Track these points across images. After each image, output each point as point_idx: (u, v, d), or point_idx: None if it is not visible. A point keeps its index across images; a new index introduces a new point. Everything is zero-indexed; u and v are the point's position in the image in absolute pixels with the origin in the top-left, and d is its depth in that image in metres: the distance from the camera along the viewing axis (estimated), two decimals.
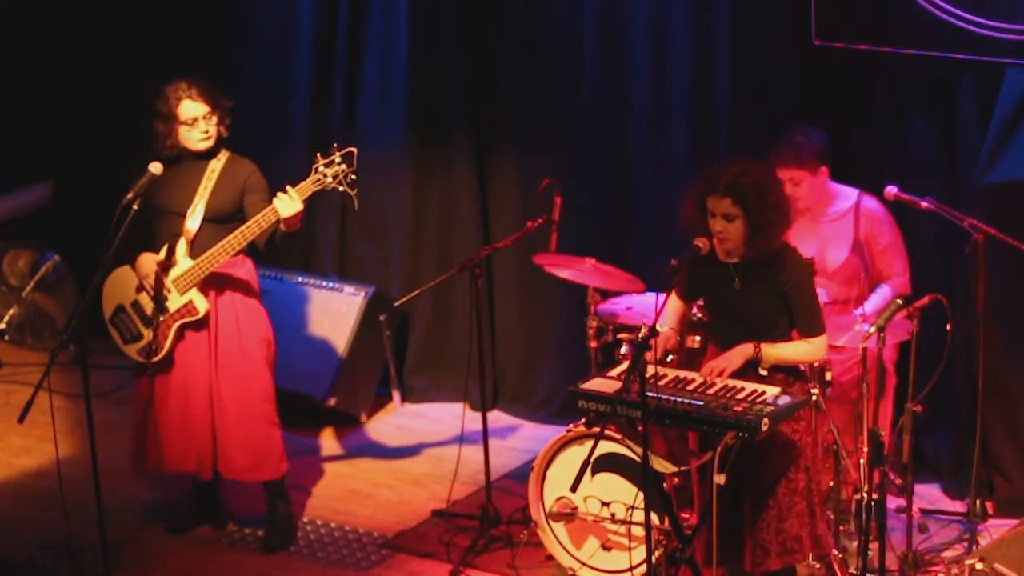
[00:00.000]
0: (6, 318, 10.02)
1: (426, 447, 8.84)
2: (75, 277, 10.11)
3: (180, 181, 7.53)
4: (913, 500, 7.31)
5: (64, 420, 8.39)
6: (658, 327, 6.60)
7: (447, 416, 9.12)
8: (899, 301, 6.92)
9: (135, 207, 7.03)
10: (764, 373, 6.72)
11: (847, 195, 7.69)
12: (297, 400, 8.67)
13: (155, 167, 7.23)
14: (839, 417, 7.43)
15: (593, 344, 7.97)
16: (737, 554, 6.76)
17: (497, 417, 9.07)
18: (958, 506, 7.90)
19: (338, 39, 9.18)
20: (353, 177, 7.37)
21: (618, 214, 8.74)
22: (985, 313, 7.44)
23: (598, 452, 6.55)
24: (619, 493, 7.10)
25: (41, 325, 10.05)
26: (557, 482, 7.23)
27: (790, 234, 6.87)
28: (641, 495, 6.66)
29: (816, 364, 7.05)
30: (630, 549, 7.11)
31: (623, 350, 7.68)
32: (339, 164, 7.35)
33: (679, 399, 6.59)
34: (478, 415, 8.08)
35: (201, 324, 7.55)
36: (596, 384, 6.81)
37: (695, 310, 7.22)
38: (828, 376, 7.16)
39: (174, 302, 7.53)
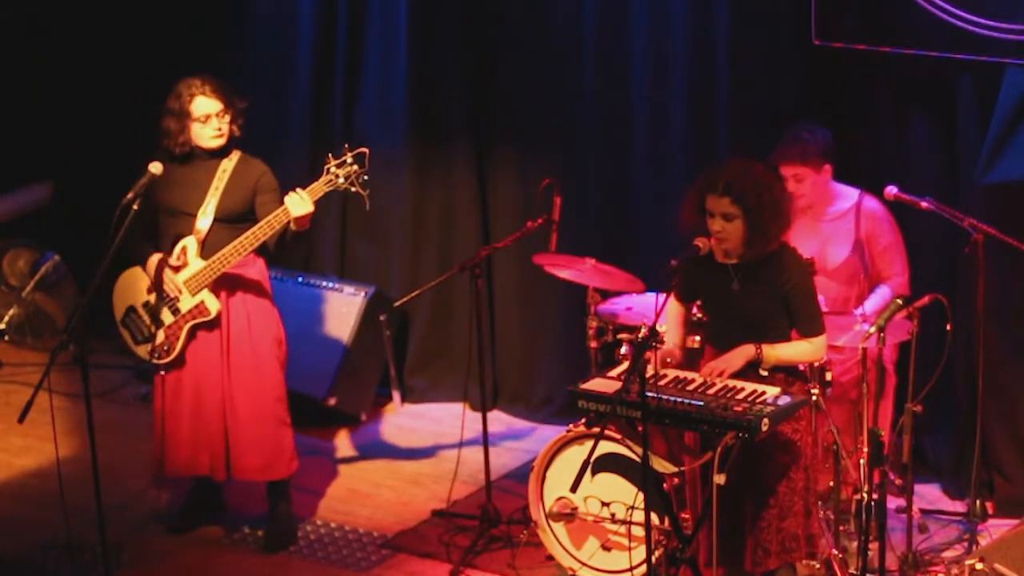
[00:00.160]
0: (6, 318, 10.02)
1: (426, 447, 8.84)
2: (75, 277, 10.11)
3: (191, 180, 7.52)
4: (913, 500, 7.31)
5: (64, 420, 8.39)
6: (658, 327, 6.61)
7: (447, 416, 9.12)
8: (899, 301, 6.92)
9: (135, 207, 7.02)
10: (765, 374, 6.73)
11: (848, 195, 7.69)
12: (297, 400, 8.66)
13: (155, 167, 7.23)
14: (839, 417, 7.43)
15: (593, 344, 7.97)
16: (737, 554, 6.75)
17: (497, 417, 9.07)
18: (958, 506, 7.90)
19: (338, 39, 9.18)
20: (365, 178, 7.36)
21: (618, 214, 8.74)
22: (985, 313, 7.44)
23: (598, 452, 6.55)
24: (619, 493, 7.10)
25: (41, 325, 10.05)
26: (557, 482, 7.23)
27: (791, 233, 6.87)
28: (641, 495, 6.66)
29: (816, 364, 7.06)
30: (630, 549, 7.11)
31: (623, 350, 7.68)
32: (351, 164, 7.35)
33: (679, 399, 6.59)
34: (478, 415, 8.08)
35: (213, 325, 7.54)
36: (596, 384, 6.82)
37: (695, 310, 7.21)
38: (828, 376, 7.16)
39: (186, 303, 7.52)
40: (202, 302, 7.51)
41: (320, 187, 7.36)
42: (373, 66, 9.15)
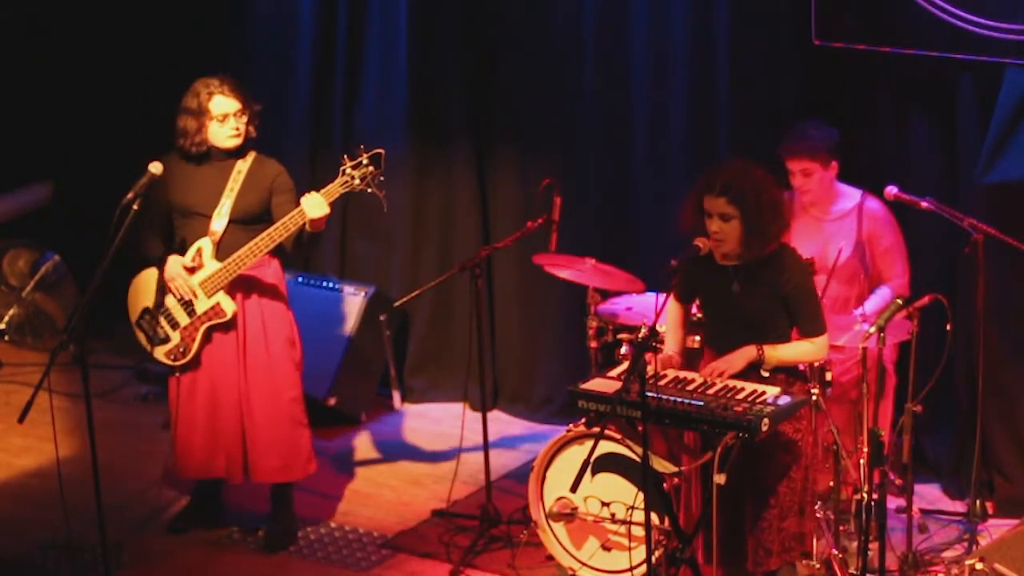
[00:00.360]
0: (6, 318, 10.02)
1: (426, 447, 8.84)
2: (75, 277, 10.11)
3: (206, 181, 7.51)
4: (913, 500, 7.31)
5: (64, 420, 8.39)
6: (658, 327, 6.61)
7: (447, 416, 9.12)
8: (899, 301, 6.92)
9: (135, 207, 7.01)
10: (766, 375, 6.72)
11: (851, 195, 7.69)
12: None
13: (155, 167, 7.21)
14: (839, 417, 7.43)
15: (593, 344, 7.97)
16: (737, 554, 6.75)
17: (497, 417, 9.07)
18: (958, 506, 7.90)
19: (338, 39, 9.18)
20: (381, 179, 7.35)
21: (618, 214, 8.75)
22: (985, 313, 7.44)
23: (598, 452, 6.55)
24: (619, 493, 7.10)
25: (41, 325, 10.05)
26: (557, 482, 7.23)
27: (792, 232, 6.87)
28: (641, 495, 6.66)
29: (816, 364, 7.06)
30: (630, 549, 7.11)
31: (623, 350, 7.68)
32: (366, 166, 7.34)
33: (679, 399, 6.59)
34: (478, 415, 8.08)
35: (229, 326, 7.53)
36: (596, 384, 6.82)
37: (694, 309, 7.22)
38: (828, 376, 7.16)
39: (201, 304, 7.51)
40: (218, 304, 7.49)
41: (336, 188, 7.34)
42: (373, 66, 9.15)
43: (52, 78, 10.01)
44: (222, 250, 7.47)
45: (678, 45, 8.38)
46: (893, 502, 7.54)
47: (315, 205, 7.27)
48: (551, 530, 7.30)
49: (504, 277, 9.09)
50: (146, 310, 7.64)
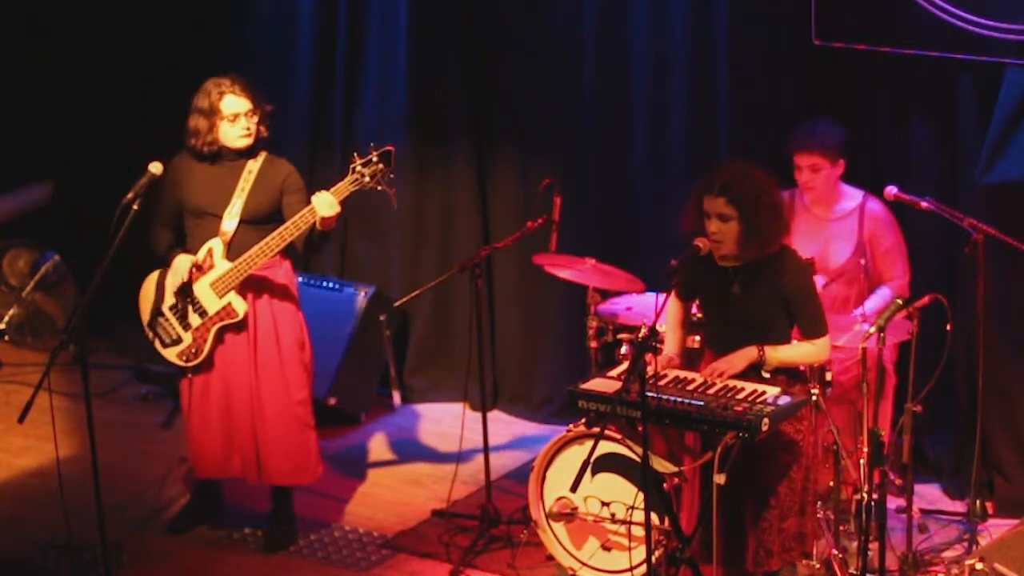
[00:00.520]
0: (6, 318, 10.02)
1: (426, 447, 8.84)
2: (75, 277, 10.11)
3: (217, 181, 7.50)
4: (913, 500, 7.31)
5: (64, 420, 8.39)
6: (658, 327, 6.61)
7: (447, 416, 9.12)
8: (899, 301, 6.92)
9: (135, 207, 7.01)
10: (767, 376, 6.72)
11: (852, 195, 7.70)
12: None
13: (155, 167, 7.20)
14: (839, 417, 7.43)
15: (593, 344, 7.97)
16: (738, 555, 6.75)
17: (497, 417, 9.07)
18: (958, 506, 7.90)
19: (338, 39, 9.18)
20: (391, 176, 7.35)
21: (618, 214, 8.75)
22: (985, 313, 7.44)
23: (598, 452, 6.55)
24: (619, 493, 7.10)
25: (41, 325, 10.05)
26: (557, 482, 7.23)
27: (793, 230, 6.87)
28: (641, 495, 6.66)
29: (816, 364, 7.05)
30: (630, 549, 7.11)
31: (623, 350, 7.68)
32: (376, 164, 7.33)
33: (679, 399, 6.59)
34: (478, 415, 8.08)
35: (240, 327, 7.52)
36: (596, 384, 6.82)
37: (694, 309, 7.21)
38: (828, 376, 7.16)
39: (212, 305, 7.50)
40: (229, 304, 7.49)
41: (346, 186, 7.33)
42: (373, 66, 9.15)
43: (52, 78, 10.01)
44: (233, 250, 7.46)
45: (678, 45, 8.38)
46: (893, 502, 7.54)
47: (326, 204, 7.26)
48: (551, 530, 7.30)
49: (504, 277, 9.09)
50: (158, 312, 7.63)
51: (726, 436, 6.47)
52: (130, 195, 7.02)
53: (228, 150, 7.50)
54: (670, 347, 7.05)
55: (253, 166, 7.52)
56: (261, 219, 7.47)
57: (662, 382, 6.69)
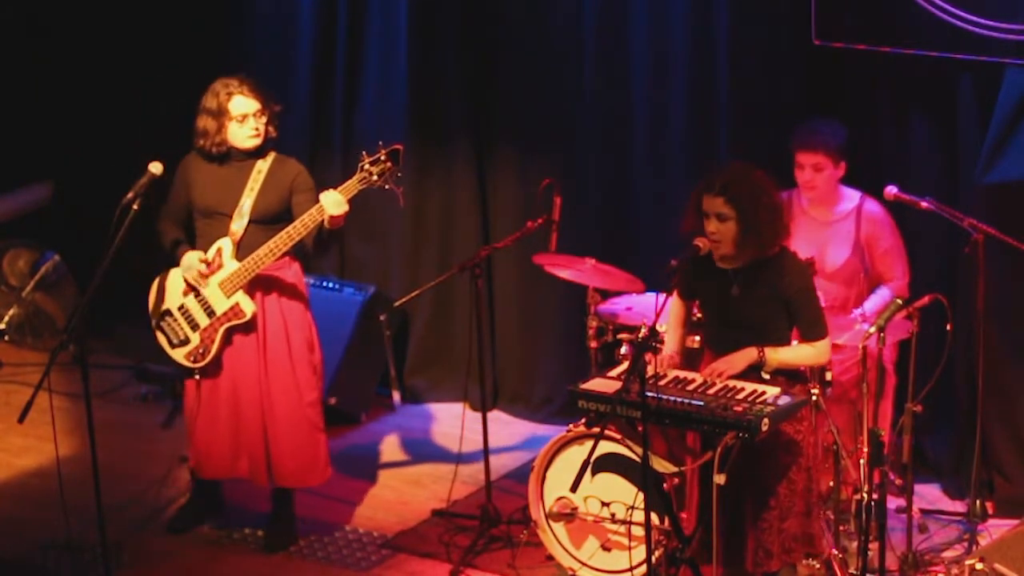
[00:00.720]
0: (6, 318, 10.02)
1: (426, 447, 8.84)
2: (75, 277, 10.11)
3: (226, 181, 7.50)
4: (913, 500, 7.31)
5: (64, 420, 8.39)
6: (658, 327, 6.61)
7: (447, 416, 9.12)
8: (899, 301, 6.92)
9: (135, 207, 7.00)
10: (767, 377, 6.72)
11: (850, 196, 7.70)
12: None
13: (155, 167, 7.19)
14: (839, 417, 7.43)
15: (593, 344, 7.97)
16: (737, 555, 6.75)
17: (497, 417, 9.07)
18: (958, 506, 7.90)
19: (338, 39, 9.18)
20: (399, 174, 7.34)
21: (618, 214, 8.75)
22: (985, 313, 7.44)
23: (598, 452, 6.55)
24: (619, 493, 7.10)
25: (41, 325, 10.05)
26: (557, 482, 7.23)
27: (792, 232, 6.87)
28: (641, 495, 6.66)
29: (816, 366, 7.05)
30: (630, 549, 7.11)
31: (623, 350, 7.68)
32: (385, 162, 7.32)
33: (679, 399, 6.59)
34: (478, 415, 8.08)
35: (249, 327, 7.51)
36: (596, 384, 6.82)
37: (694, 309, 7.21)
38: (828, 376, 7.16)
39: (220, 305, 7.50)
40: (237, 304, 7.48)
41: (354, 185, 7.32)
42: (373, 66, 9.15)
43: (52, 78, 10.02)
44: (242, 250, 7.46)
45: (678, 45, 8.38)
46: (893, 502, 7.54)
47: (334, 203, 7.25)
48: (551, 530, 7.30)
49: (504, 277, 9.09)
50: (166, 312, 7.62)
51: (726, 436, 6.47)
52: (130, 195, 7.01)
53: (237, 150, 7.50)
54: (671, 346, 7.05)
55: (262, 166, 7.52)
56: (270, 219, 7.47)
57: (662, 382, 6.69)
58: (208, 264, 7.47)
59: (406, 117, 9.07)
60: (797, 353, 6.76)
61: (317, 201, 7.31)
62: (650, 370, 6.58)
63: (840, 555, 7.12)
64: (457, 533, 7.85)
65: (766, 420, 6.42)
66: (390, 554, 7.77)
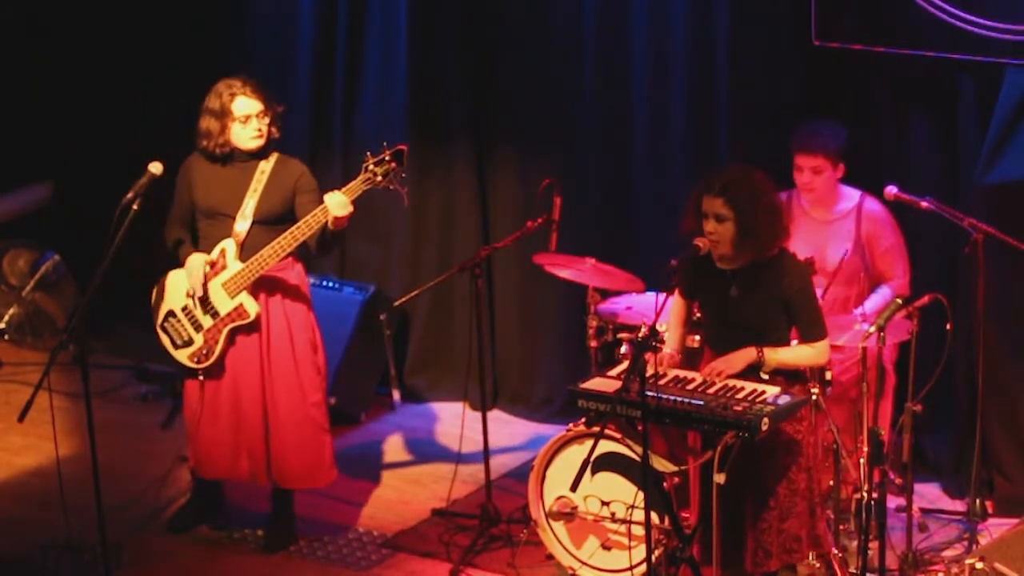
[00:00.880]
0: (6, 318, 10.02)
1: (426, 447, 8.84)
2: (75, 277, 10.11)
3: (229, 182, 7.49)
4: (913, 499, 7.31)
5: (64, 420, 8.39)
6: (658, 327, 6.61)
7: (447, 416, 9.12)
8: (899, 300, 6.92)
9: (135, 207, 7.00)
10: (766, 377, 6.71)
11: (850, 196, 7.70)
12: None
13: (155, 167, 7.18)
14: (839, 416, 7.43)
15: (593, 344, 7.97)
16: (737, 555, 6.75)
17: (497, 417, 9.07)
18: (958, 505, 7.90)
19: (338, 39, 9.18)
20: (403, 175, 7.34)
21: (618, 214, 8.75)
22: (985, 313, 7.44)
23: (598, 451, 6.55)
24: (619, 492, 7.10)
25: (41, 325, 10.05)
26: (557, 481, 7.23)
27: (792, 231, 6.87)
28: (641, 494, 6.66)
29: (816, 367, 7.04)
30: (630, 548, 7.11)
31: (623, 350, 7.68)
32: (389, 163, 7.31)
33: (679, 398, 6.59)
34: (478, 415, 8.08)
35: (252, 328, 7.50)
36: (596, 384, 6.82)
37: (695, 309, 7.21)
38: (828, 376, 7.16)
39: (224, 306, 7.50)
40: (241, 305, 7.48)
41: (358, 186, 7.31)
42: (373, 66, 9.15)
43: (52, 78, 10.02)
44: (246, 251, 7.46)
45: (678, 45, 8.38)
46: (893, 501, 7.55)
47: (338, 204, 7.24)
48: (551, 529, 7.30)
49: (504, 277, 9.10)
50: (170, 312, 7.62)
51: (726, 436, 6.47)
52: (130, 195, 7.00)
53: (240, 151, 7.49)
54: (671, 344, 7.05)
55: (265, 167, 7.52)
56: (274, 220, 7.47)
57: (662, 381, 6.69)
58: (212, 265, 7.48)
59: (406, 117, 9.07)
60: (796, 354, 6.76)
61: (321, 202, 7.31)
62: (650, 369, 6.58)
63: (840, 554, 7.12)
64: (457, 532, 7.85)
65: (766, 419, 6.42)
66: (390, 553, 7.77)
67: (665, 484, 6.90)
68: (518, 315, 9.10)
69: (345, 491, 8.30)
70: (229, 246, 7.46)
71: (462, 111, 9.02)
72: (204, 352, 7.53)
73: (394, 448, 8.84)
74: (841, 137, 7.56)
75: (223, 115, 7.43)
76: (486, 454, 7.88)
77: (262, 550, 7.79)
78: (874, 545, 7.01)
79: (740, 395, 6.58)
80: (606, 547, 7.21)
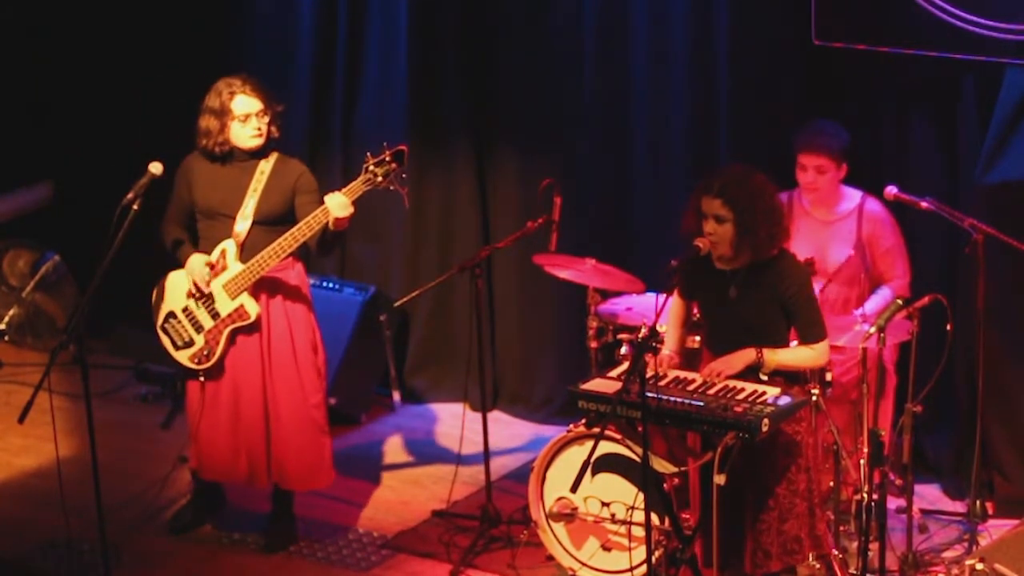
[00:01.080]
0: (6, 318, 10.02)
1: (426, 447, 8.84)
2: (75, 277, 10.11)
3: (229, 182, 7.48)
4: (913, 500, 7.31)
5: (64, 420, 8.39)
6: (658, 327, 6.61)
7: (447, 416, 9.12)
8: (899, 301, 6.92)
9: (135, 207, 7.00)
10: (765, 378, 6.71)
11: (851, 196, 7.70)
12: None
13: (155, 167, 7.18)
14: (839, 417, 7.43)
15: (593, 344, 7.97)
16: (737, 556, 6.75)
17: (497, 417, 9.07)
18: (958, 506, 7.90)
19: (338, 39, 9.18)
20: (404, 175, 7.33)
21: (618, 214, 8.75)
22: (985, 313, 7.44)
23: (598, 452, 6.55)
24: (619, 493, 7.10)
25: (41, 325, 10.05)
26: (557, 482, 7.23)
27: (792, 232, 6.87)
28: (641, 495, 6.65)
29: (815, 368, 7.04)
30: (630, 549, 7.11)
31: (623, 350, 7.68)
32: (390, 163, 7.31)
33: (679, 399, 6.59)
34: (478, 415, 8.08)
35: (253, 329, 7.50)
36: (596, 384, 6.81)
37: (694, 309, 7.21)
38: (828, 376, 7.16)
39: (225, 307, 7.49)
40: (241, 306, 7.47)
41: (359, 186, 7.30)
42: (373, 66, 9.15)
43: (52, 78, 10.01)
44: (246, 251, 7.45)
45: (678, 45, 8.38)
46: (893, 502, 7.54)
47: (339, 205, 7.23)
48: (551, 530, 7.30)
49: (504, 277, 9.09)
50: (170, 313, 7.61)
51: (726, 436, 6.47)
52: (130, 195, 7.01)
53: (239, 151, 7.49)
54: (671, 345, 7.05)
55: (265, 166, 7.51)
56: (274, 220, 7.46)
57: (662, 382, 6.69)
58: (212, 266, 7.47)
59: (406, 117, 9.07)
60: (796, 355, 6.75)
61: (321, 202, 7.30)
62: (650, 370, 6.58)
63: (840, 555, 7.12)
64: (457, 533, 7.85)
65: (766, 420, 6.42)
66: (390, 554, 7.77)
67: (665, 485, 6.90)
68: (518, 315, 9.10)
69: (345, 492, 8.30)
70: (229, 247, 7.46)
71: (462, 111, 9.02)
72: (205, 353, 7.52)
73: (394, 449, 8.84)
74: (844, 137, 7.57)
75: (223, 114, 7.42)
76: (486, 455, 7.88)
77: (262, 550, 7.79)
78: (874, 546, 7.01)
79: (740, 396, 6.58)
80: (606, 548, 7.21)
